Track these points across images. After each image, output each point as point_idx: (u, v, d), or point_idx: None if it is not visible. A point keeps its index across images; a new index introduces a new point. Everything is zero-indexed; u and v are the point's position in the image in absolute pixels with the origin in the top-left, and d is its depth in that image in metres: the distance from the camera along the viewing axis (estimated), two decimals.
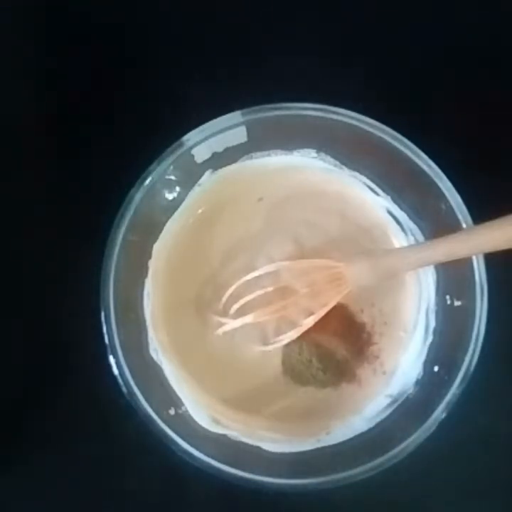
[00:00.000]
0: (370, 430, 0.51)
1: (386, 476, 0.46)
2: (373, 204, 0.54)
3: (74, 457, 0.54)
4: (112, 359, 0.47)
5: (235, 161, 0.53)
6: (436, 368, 0.50)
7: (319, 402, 0.52)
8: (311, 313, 0.51)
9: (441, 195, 0.48)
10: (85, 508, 0.54)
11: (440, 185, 0.48)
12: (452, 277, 0.51)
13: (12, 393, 0.54)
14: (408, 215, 0.53)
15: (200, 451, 0.46)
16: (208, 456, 0.46)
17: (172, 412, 0.49)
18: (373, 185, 0.53)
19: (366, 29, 0.58)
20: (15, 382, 0.54)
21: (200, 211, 0.54)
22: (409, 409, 0.50)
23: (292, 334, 0.51)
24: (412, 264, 0.48)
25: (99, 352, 0.47)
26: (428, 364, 0.51)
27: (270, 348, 0.51)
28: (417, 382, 0.51)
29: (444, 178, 0.48)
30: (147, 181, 0.48)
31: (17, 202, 0.56)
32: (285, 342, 0.51)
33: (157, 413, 0.47)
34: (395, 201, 0.53)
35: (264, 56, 0.57)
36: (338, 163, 0.53)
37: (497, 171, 0.54)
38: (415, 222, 0.52)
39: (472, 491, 0.54)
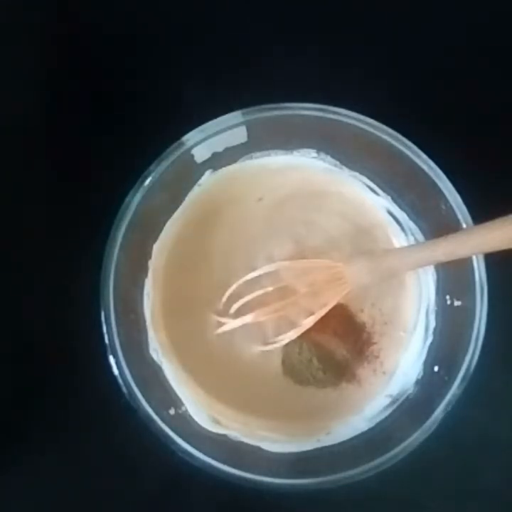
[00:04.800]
0: (370, 430, 0.51)
1: (386, 476, 0.46)
2: (373, 204, 0.54)
3: (74, 457, 0.54)
4: (111, 359, 0.47)
5: (235, 161, 0.53)
6: (436, 368, 0.50)
7: (319, 402, 0.52)
8: (311, 313, 0.51)
9: (441, 195, 0.48)
10: (85, 508, 0.54)
11: (440, 185, 0.48)
12: (452, 277, 0.51)
13: (12, 393, 0.54)
14: (408, 215, 0.53)
15: (200, 451, 0.46)
16: (208, 456, 0.46)
17: (172, 412, 0.49)
18: (373, 185, 0.53)
19: (366, 29, 0.58)
20: (15, 382, 0.54)
21: (200, 211, 0.54)
22: (409, 409, 0.50)
23: (292, 334, 0.51)
24: (412, 264, 0.48)
25: (99, 352, 0.47)
26: (428, 364, 0.51)
27: (270, 348, 0.51)
28: (417, 382, 0.51)
29: (444, 178, 0.48)
30: (147, 181, 0.48)
31: (17, 202, 0.56)
32: (285, 342, 0.51)
33: (157, 413, 0.47)
34: (395, 201, 0.53)
35: (265, 56, 0.57)
36: (338, 163, 0.53)
37: (497, 171, 0.54)
38: (415, 222, 0.52)
39: (472, 491, 0.54)
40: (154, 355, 0.52)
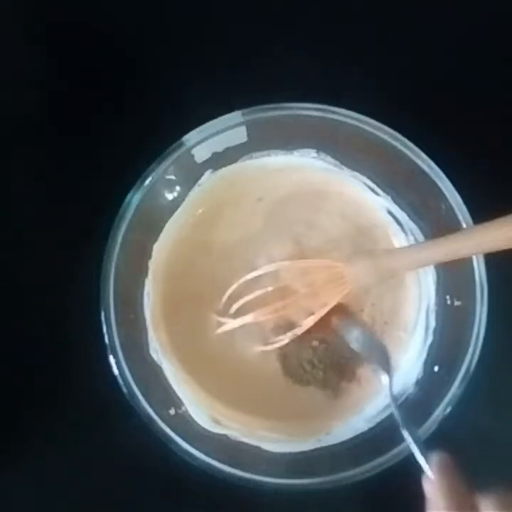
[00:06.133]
0: (370, 430, 0.51)
1: (386, 476, 0.46)
2: (373, 204, 0.54)
3: (74, 457, 0.54)
4: (112, 359, 0.47)
5: (235, 161, 0.53)
6: (436, 368, 0.50)
7: (319, 402, 0.52)
8: (311, 313, 0.51)
9: (441, 195, 0.48)
10: (85, 508, 0.54)
11: (440, 185, 0.48)
12: (452, 277, 0.51)
13: (12, 393, 0.54)
14: (408, 215, 0.53)
15: (200, 451, 0.46)
16: (208, 456, 0.46)
17: (172, 412, 0.49)
18: (373, 185, 0.53)
19: (366, 29, 0.58)
20: (15, 382, 0.54)
21: (200, 211, 0.54)
22: (409, 409, 0.50)
23: (292, 334, 0.51)
24: (412, 263, 0.48)
25: (99, 352, 0.47)
26: (428, 364, 0.51)
27: (270, 348, 0.51)
28: (417, 382, 0.51)
29: (444, 178, 0.48)
30: (147, 181, 0.48)
31: (17, 202, 0.56)
32: (285, 342, 0.51)
33: (157, 413, 0.47)
34: (395, 201, 0.53)
35: (265, 56, 0.57)
36: (338, 163, 0.53)
37: (497, 171, 0.54)
38: (415, 222, 0.52)
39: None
40: (154, 355, 0.52)
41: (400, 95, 0.56)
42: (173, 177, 0.50)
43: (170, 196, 0.52)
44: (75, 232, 0.55)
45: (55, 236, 0.55)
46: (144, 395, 0.47)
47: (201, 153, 0.50)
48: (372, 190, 0.54)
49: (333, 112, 0.48)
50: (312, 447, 0.51)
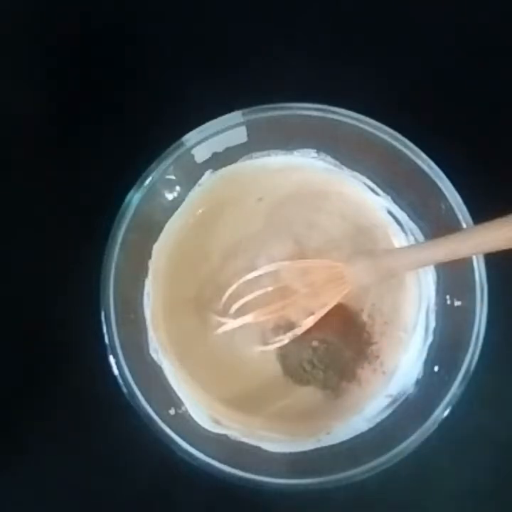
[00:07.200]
0: (370, 430, 0.51)
1: (386, 476, 0.46)
2: (373, 204, 0.54)
3: (73, 457, 0.54)
4: (112, 359, 0.47)
5: (235, 161, 0.53)
6: (436, 368, 0.50)
7: (319, 402, 0.52)
8: (311, 313, 0.51)
9: (441, 195, 0.48)
10: (85, 507, 0.54)
11: (440, 185, 0.48)
12: (452, 277, 0.51)
13: (12, 393, 0.54)
14: (408, 215, 0.53)
15: (200, 451, 0.46)
16: (208, 456, 0.46)
17: (172, 412, 0.49)
18: (373, 185, 0.53)
19: (366, 29, 0.58)
20: (14, 382, 0.54)
21: (200, 211, 0.54)
22: (409, 409, 0.50)
23: (292, 334, 0.51)
24: (412, 264, 0.48)
25: (99, 352, 0.47)
26: (428, 364, 0.51)
27: (270, 348, 0.51)
28: (417, 382, 0.51)
29: (444, 178, 0.48)
30: (147, 181, 0.48)
31: (17, 202, 0.56)
32: (285, 342, 0.51)
33: (157, 413, 0.47)
34: (395, 201, 0.53)
35: (265, 56, 0.57)
36: (338, 163, 0.53)
37: (497, 171, 0.54)
38: (415, 222, 0.52)
39: (472, 491, 0.54)
40: (154, 355, 0.52)
41: (400, 95, 0.56)
42: (173, 177, 0.50)
43: (170, 196, 0.52)
44: (75, 232, 0.55)
45: (55, 236, 0.55)
46: (143, 395, 0.47)
47: (201, 153, 0.50)
48: (372, 190, 0.54)
49: (333, 112, 0.48)
50: (312, 447, 0.51)
